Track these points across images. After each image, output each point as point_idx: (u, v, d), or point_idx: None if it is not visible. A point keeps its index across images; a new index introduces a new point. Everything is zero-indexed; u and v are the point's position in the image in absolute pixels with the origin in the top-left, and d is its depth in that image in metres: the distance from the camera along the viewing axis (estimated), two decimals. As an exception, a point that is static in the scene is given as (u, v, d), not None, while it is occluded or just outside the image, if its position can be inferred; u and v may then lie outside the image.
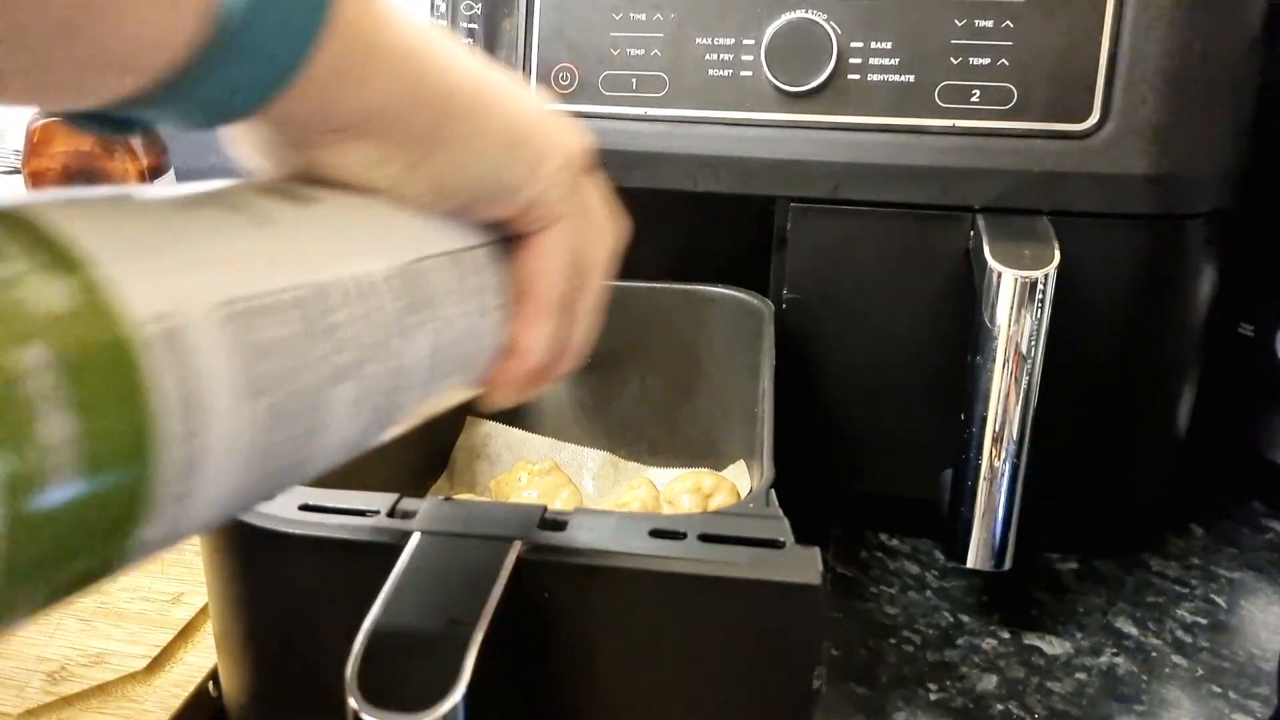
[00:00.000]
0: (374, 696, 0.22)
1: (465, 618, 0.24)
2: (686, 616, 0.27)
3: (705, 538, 0.28)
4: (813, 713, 0.27)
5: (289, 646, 0.31)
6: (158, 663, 0.40)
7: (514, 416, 0.51)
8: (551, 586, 0.27)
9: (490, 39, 0.49)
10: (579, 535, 0.28)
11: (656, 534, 0.28)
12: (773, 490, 0.31)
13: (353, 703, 0.22)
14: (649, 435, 0.51)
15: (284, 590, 0.30)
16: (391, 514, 0.29)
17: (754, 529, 0.28)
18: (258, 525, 0.29)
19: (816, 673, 0.27)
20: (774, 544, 0.28)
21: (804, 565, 0.26)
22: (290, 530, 0.28)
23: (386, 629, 0.24)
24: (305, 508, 0.29)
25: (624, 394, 0.50)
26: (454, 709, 0.22)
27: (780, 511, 0.30)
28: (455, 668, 0.22)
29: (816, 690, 0.27)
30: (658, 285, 0.48)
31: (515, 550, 0.27)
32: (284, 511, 0.29)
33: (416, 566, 0.26)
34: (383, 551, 0.27)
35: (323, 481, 0.37)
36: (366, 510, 0.29)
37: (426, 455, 0.49)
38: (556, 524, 0.28)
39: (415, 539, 0.27)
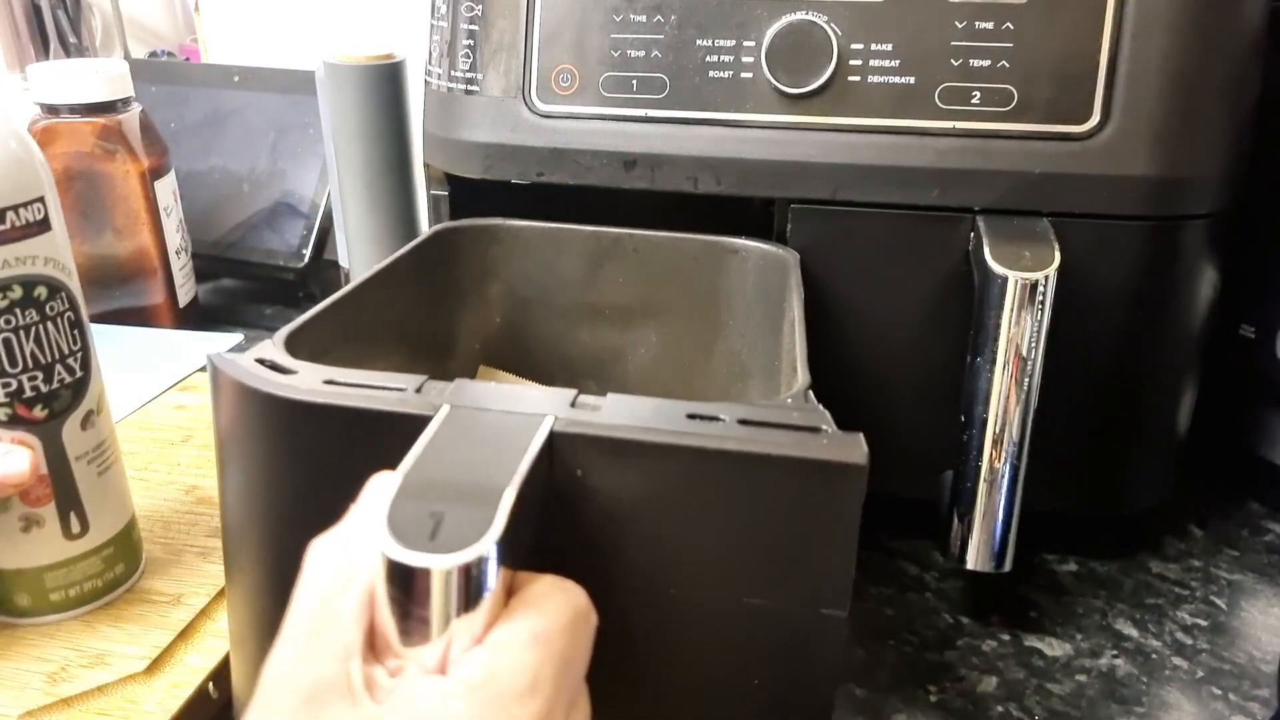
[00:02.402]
0: (406, 539, 0.21)
1: (497, 478, 0.23)
2: (723, 496, 0.26)
3: (744, 422, 0.26)
4: (849, 603, 0.26)
5: (306, 525, 0.28)
6: (158, 663, 0.40)
7: (527, 370, 0.50)
8: (584, 464, 0.26)
9: (490, 40, 0.49)
10: (613, 416, 0.27)
11: (694, 417, 0.27)
12: (810, 392, 0.30)
13: (385, 544, 0.21)
14: (665, 390, 0.49)
15: (306, 461, 0.29)
16: (420, 391, 0.28)
17: (794, 418, 0.27)
18: (280, 395, 0.27)
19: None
20: (814, 430, 0.26)
21: (849, 447, 0.25)
22: (314, 399, 0.27)
23: (419, 481, 0.23)
24: (330, 382, 0.28)
25: (640, 347, 0.49)
26: (486, 554, 0.21)
27: (820, 406, 0.28)
28: (488, 517, 0.22)
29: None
30: (678, 235, 0.47)
31: (549, 423, 0.26)
32: (307, 383, 0.28)
33: (447, 433, 0.25)
34: (411, 423, 0.26)
35: (339, 362, 0.34)
36: (393, 386, 0.28)
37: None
38: (590, 406, 0.27)
39: (445, 409, 0.26)
